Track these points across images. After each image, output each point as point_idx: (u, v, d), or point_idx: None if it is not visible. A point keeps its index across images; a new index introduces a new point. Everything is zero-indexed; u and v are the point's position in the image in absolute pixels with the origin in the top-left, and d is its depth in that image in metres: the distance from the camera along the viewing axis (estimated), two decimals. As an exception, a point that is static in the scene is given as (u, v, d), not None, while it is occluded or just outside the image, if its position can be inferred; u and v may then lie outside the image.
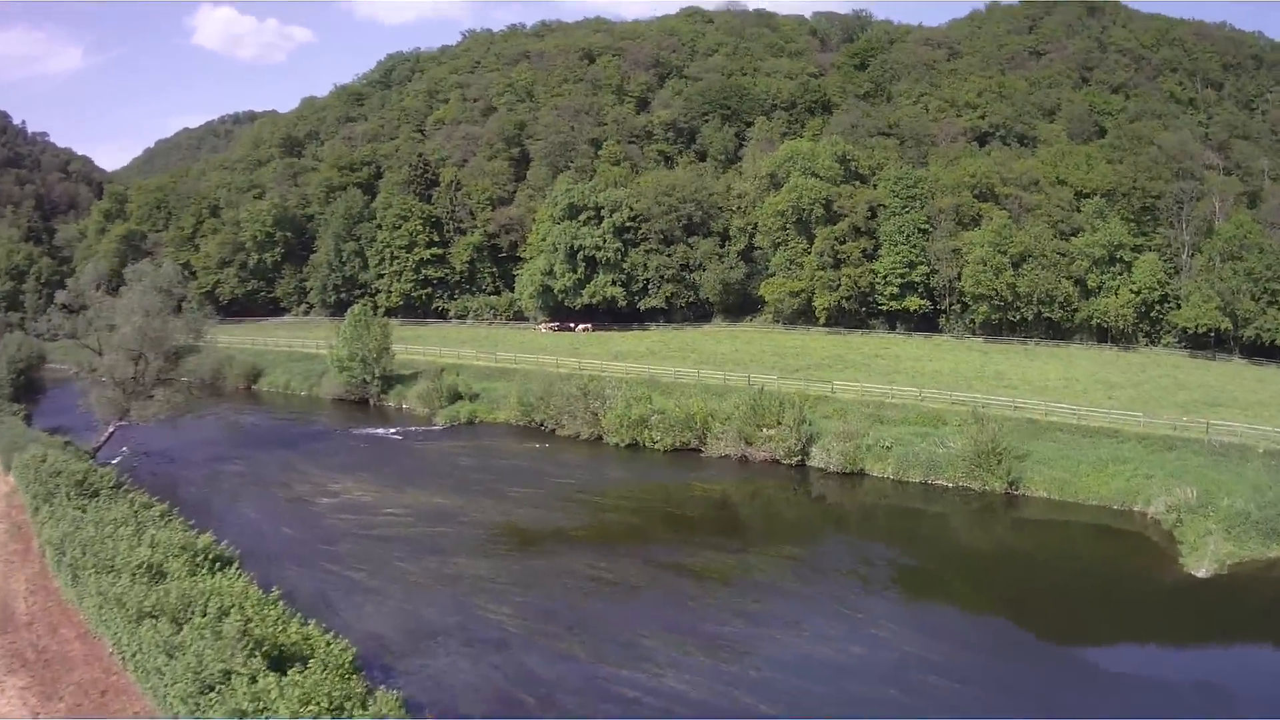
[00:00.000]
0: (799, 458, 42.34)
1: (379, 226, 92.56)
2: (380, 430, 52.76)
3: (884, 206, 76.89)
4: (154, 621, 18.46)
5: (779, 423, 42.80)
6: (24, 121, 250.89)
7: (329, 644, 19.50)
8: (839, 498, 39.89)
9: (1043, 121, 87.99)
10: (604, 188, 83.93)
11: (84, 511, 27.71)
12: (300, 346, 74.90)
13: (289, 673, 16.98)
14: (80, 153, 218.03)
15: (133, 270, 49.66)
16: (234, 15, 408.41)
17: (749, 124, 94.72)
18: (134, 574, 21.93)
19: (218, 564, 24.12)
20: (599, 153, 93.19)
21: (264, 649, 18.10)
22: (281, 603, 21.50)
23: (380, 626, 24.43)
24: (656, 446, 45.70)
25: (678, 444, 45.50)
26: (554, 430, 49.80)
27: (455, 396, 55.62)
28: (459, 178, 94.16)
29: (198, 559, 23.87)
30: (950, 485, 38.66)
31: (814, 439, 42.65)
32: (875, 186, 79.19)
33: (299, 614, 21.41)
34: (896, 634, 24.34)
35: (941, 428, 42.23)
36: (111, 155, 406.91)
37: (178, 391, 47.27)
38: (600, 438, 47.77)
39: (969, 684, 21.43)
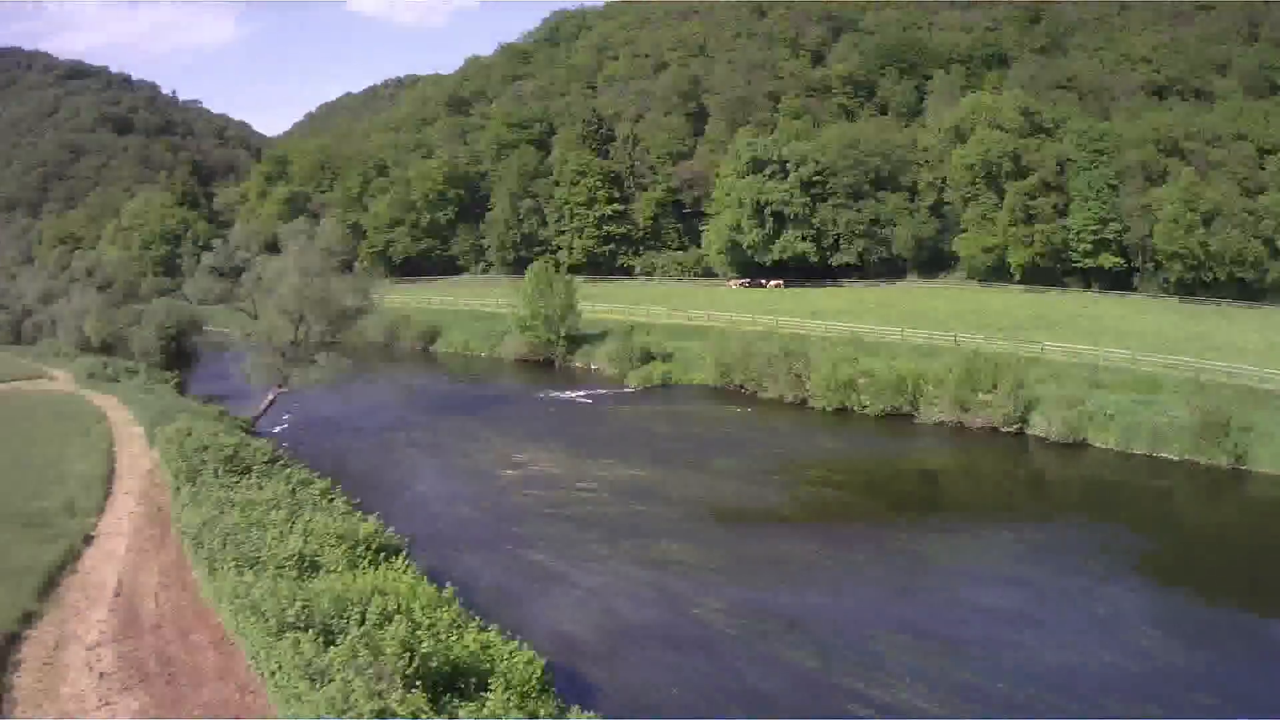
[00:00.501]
0: (1017, 425, 61.89)
1: (556, 183, 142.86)
2: (568, 393, 77.09)
3: (1071, 161, 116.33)
4: (297, 635, 23.29)
5: (994, 387, 62.94)
6: (174, 91, 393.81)
7: (512, 654, 24.63)
8: (1063, 471, 57.59)
9: (1216, 76, 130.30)
10: (787, 141, 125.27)
11: (231, 491, 37.87)
12: (480, 305, 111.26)
13: (461, 707, 21.19)
14: (237, 119, 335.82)
15: (289, 229, 73.42)
16: None
17: (927, 77, 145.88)
18: (280, 569, 28.64)
19: (382, 554, 31.06)
20: (778, 106, 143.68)
21: (432, 665, 22.31)
22: (458, 601, 28.03)
23: (571, 625, 33.02)
24: (866, 411, 67.27)
25: (888, 409, 66.62)
26: (755, 393, 72.47)
27: (647, 357, 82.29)
28: (635, 133, 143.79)
29: (358, 549, 31.01)
30: (1176, 459, 55.54)
31: (1031, 405, 62.13)
32: (1060, 140, 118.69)
33: (476, 615, 28.21)
34: (1147, 636, 33.14)
35: (1159, 394, 61.75)
36: (271, 122, 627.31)
37: (344, 355, 67.36)
38: (805, 401, 69.75)
39: (1251, 706, 28.11)
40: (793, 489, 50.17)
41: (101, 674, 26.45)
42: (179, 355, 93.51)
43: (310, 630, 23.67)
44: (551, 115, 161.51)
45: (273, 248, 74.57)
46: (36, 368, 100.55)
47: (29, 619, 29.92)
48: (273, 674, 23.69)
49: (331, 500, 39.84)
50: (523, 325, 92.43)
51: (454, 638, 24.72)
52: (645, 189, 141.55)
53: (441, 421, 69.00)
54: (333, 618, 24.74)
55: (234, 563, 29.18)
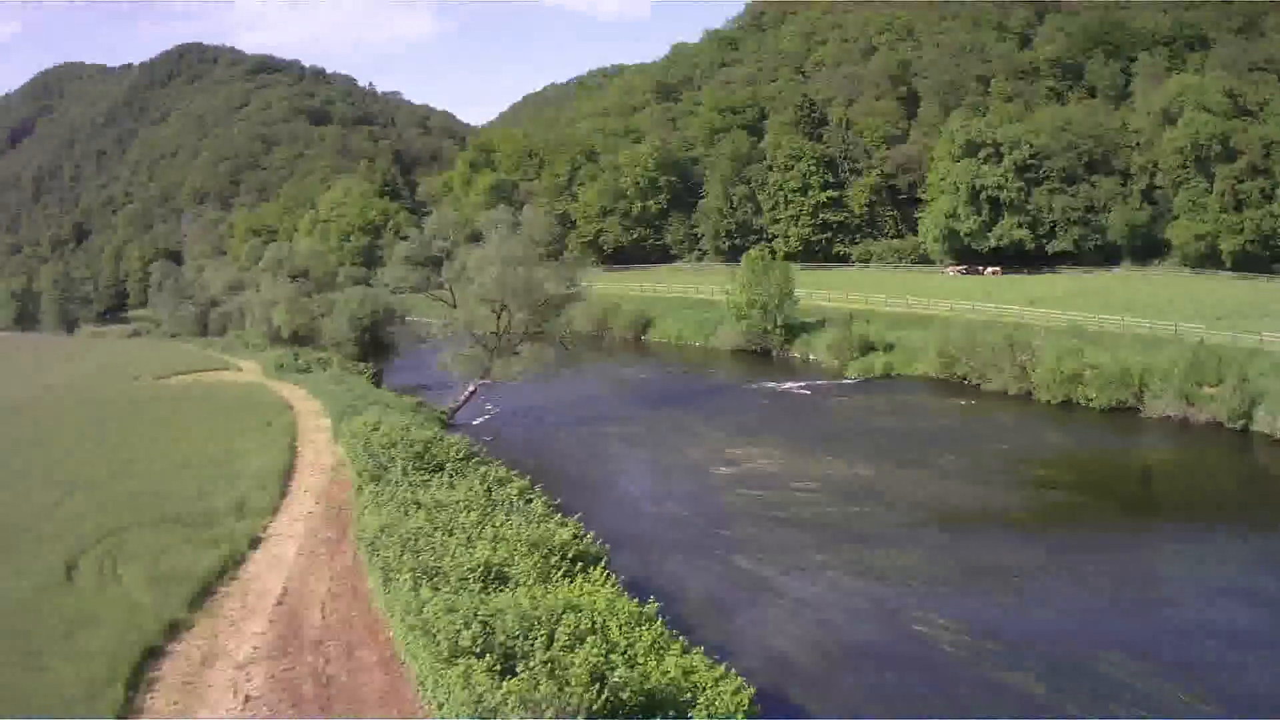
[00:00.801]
0: (1242, 421, 60.56)
1: (769, 168, 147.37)
2: (785, 384, 77.86)
3: (1277, 144, 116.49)
4: (470, 663, 20.83)
5: (1219, 380, 62.67)
6: (371, 83, 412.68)
7: (717, 681, 23.06)
8: (1296, 473, 55.68)
9: None
10: (1000, 125, 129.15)
11: (419, 491, 37.01)
12: (694, 293, 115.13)
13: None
14: (440, 109, 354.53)
15: (490, 216, 74.88)
16: None
17: (1132, 59, 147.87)
18: (463, 581, 26.51)
19: (579, 564, 29.73)
20: (988, 89, 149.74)
21: (624, 696, 19.88)
22: (660, 618, 26.29)
23: (782, 642, 31.82)
24: (1091, 405, 67.26)
25: (1113, 402, 66.68)
26: (978, 385, 73.15)
27: (867, 347, 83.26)
28: (847, 117, 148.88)
29: (552, 559, 29.66)
30: None
31: (1256, 399, 60.72)
32: (1264, 122, 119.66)
33: (680, 633, 26.54)
34: None
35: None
36: (476, 114, 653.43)
37: (548, 346, 69.44)
38: (1029, 394, 70.05)
39: None
40: (1017, 489, 49.92)
41: (248, 697, 24.13)
42: (374, 346, 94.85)
43: (488, 655, 21.22)
44: (761, 100, 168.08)
45: (477, 237, 73.97)
46: (222, 359, 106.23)
47: (175, 631, 27.97)
48: (440, 706, 21.64)
49: (529, 501, 38.65)
50: (739, 313, 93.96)
51: (653, 662, 23.20)
52: (859, 174, 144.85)
53: (652, 414, 70.44)
54: (516, 638, 22.42)
55: (410, 573, 27.08)
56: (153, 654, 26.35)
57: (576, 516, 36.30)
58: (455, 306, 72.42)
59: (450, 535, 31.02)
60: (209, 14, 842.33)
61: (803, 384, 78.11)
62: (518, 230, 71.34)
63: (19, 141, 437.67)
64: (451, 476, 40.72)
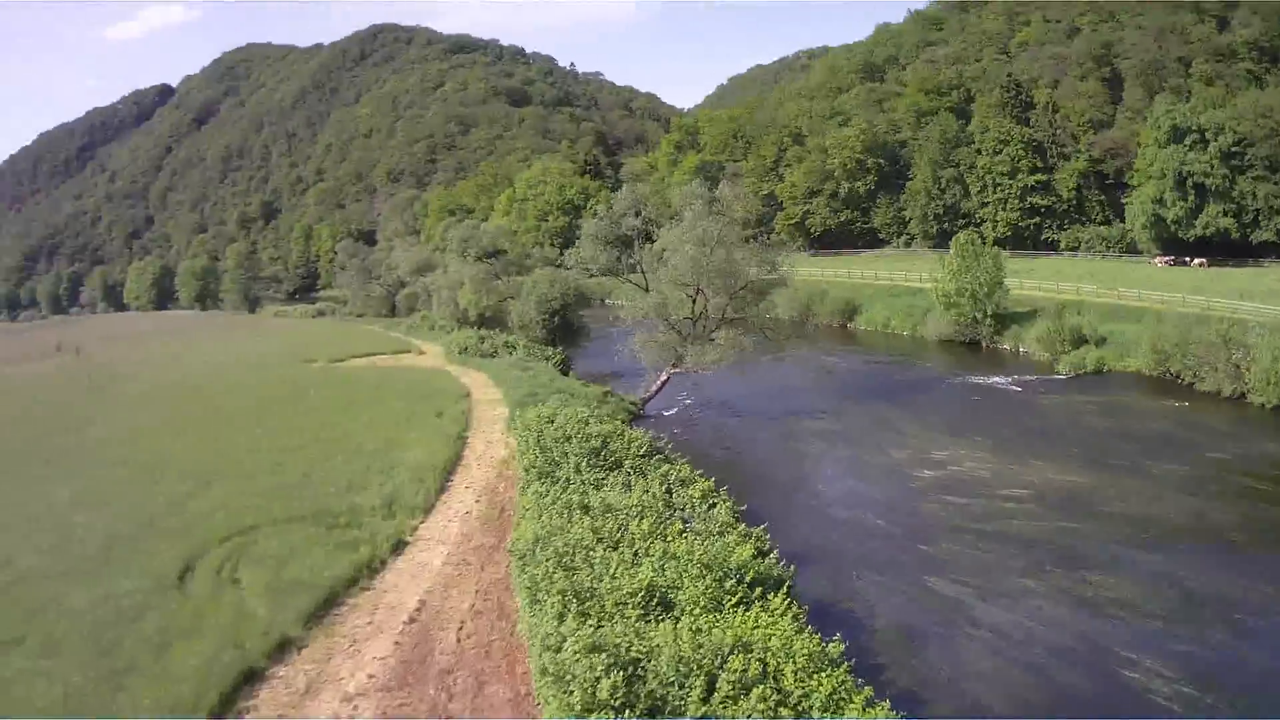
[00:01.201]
0: None
1: (978, 151, 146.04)
2: (994, 379, 76.31)
3: None
4: None
5: None
6: (572, 64, 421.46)
7: None
8: None
9: None
10: (1204, 110, 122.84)
11: (590, 493, 35.71)
12: (902, 279, 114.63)
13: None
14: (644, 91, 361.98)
15: (686, 193, 71.74)
16: None
17: None
18: (620, 607, 23.90)
19: (757, 589, 27.19)
20: (1189, 72, 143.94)
21: None
22: (845, 660, 24.22)
23: (979, 688, 28.81)
24: None
25: None
26: (1190, 384, 69.52)
27: (1079, 340, 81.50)
28: (1054, 99, 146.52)
29: (728, 581, 27.10)
30: None
31: None
32: None
33: (864, 675, 24.22)
34: None
35: None
36: (681, 96, 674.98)
37: (745, 333, 67.42)
38: (1243, 395, 65.39)
39: None
40: (1236, 504, 45.95)
41: (346, 738, 21.07)
42: (564, 330, 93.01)
43: (628, 711, 18.60)
44: (967, 81, 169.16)
45: (674, 219, 72.26)
46: (405, 341, 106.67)
47: (284, 650, 25.79)
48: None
49: (713, 506, 36.76)
50: (947, 301, 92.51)
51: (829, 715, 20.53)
52: (1067, 159, 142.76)
53: (854, 408, 67.92)
54: (670, 685, 19.73)
55: (559, 596, 24.70)
56: (251, 678, 24.22)
57: (762, 527, 34.76)
58: (648, 290, 70.66)
59: (614, 549, 29.09)
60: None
61: (1012, 378, 76.39)
62: (715, 208, 68.96)
63: (205, 123, 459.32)
64: (630, 475, 39.25)
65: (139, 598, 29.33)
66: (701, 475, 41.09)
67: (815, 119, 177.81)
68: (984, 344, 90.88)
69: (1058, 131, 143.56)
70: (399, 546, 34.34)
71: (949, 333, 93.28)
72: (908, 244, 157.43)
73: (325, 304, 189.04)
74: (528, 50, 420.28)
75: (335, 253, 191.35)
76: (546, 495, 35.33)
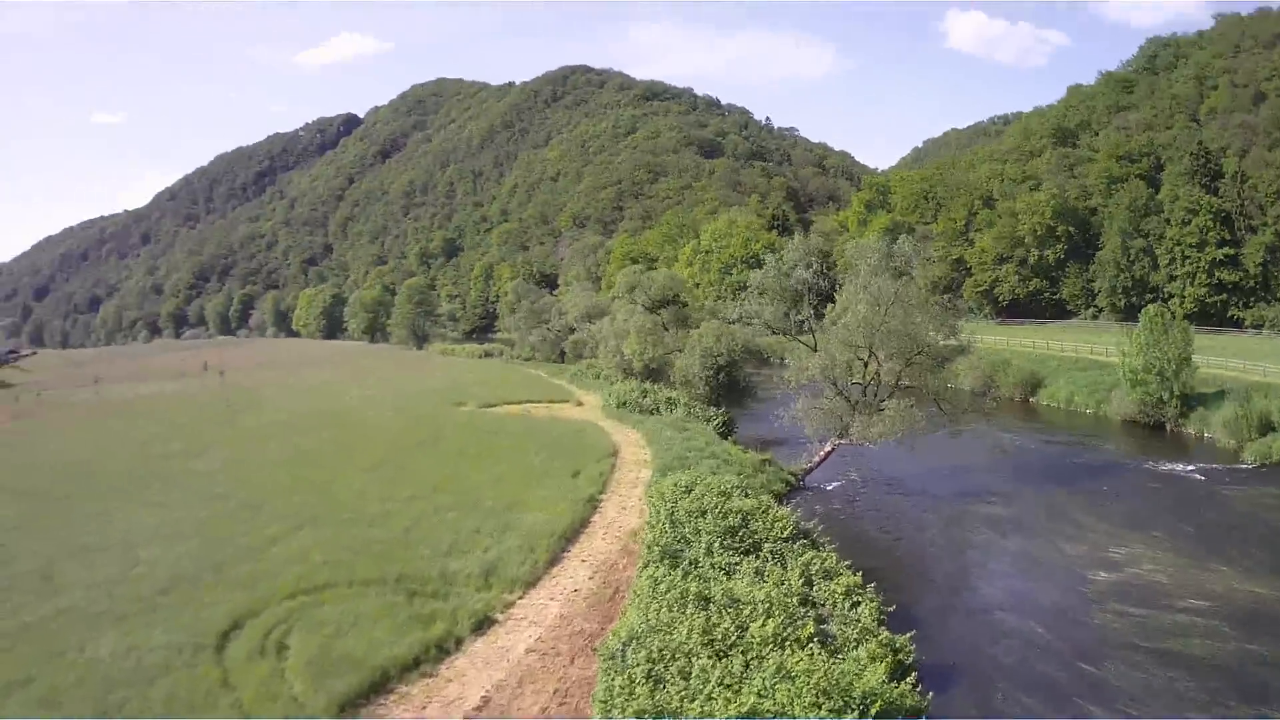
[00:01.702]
0: None
1: (1167, 221, 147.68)
2: (1177, 466, 71.96)
3: None
4: None
5: None
6: (768, 118, 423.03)
7: None
8: None
9: None
10: None
11: (715, 581, 32.42)
12: (1088, 352, 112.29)
13: None
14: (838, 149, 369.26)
15: (860, 248, 70.07)
16: (984, 19, 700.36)
17: None
18: None
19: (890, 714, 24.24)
20: None
21: None
22: None
23: None
24: None
25: None
26: None
27: (1266, 426, 77.02)
28: (1242, 169, 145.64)
29: (848, 715, 23.47)
30: None
31: None
32: None
33: None
34: None
35: None
36: (875, 156, 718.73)
37: (923, 402, 64.57)
38: None
39: None
40: None
41: None
42: (729, 389, 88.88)
43: None
44: (1157, 148, 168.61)
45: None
46: (565, 389, 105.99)
47: None
48: None
49: (856, 604, 33.18)
50: (1133, 379, 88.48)
51: None
52: (1254, 231, 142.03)
53: (1029, 493, 64.33)
54: None
55: (634, 716, 21.38)
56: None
57: (909, 635, 31.85)
58: (815, 350, 67.12)
59: (723, 657, 25.54)
60: (599, 41, 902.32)
61: (1195, 467, 71.96)
62: (894, 264, 65.40)
63: (390, 155, 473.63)
64: (767, 561, 35.72)
65: (166, 655, 27.69)
66: (849, 567, 37.56)
67: (1007, 182, 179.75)
68: (1169, 426, 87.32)
69: (1245, 202, 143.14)
70: (483, 625, 30.87)
71: (1133, 412, 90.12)
72: (1095, 316, 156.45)
73: (495, 345, 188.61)
74: (723, 101, 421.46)
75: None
76: (663, 581, 32.00)
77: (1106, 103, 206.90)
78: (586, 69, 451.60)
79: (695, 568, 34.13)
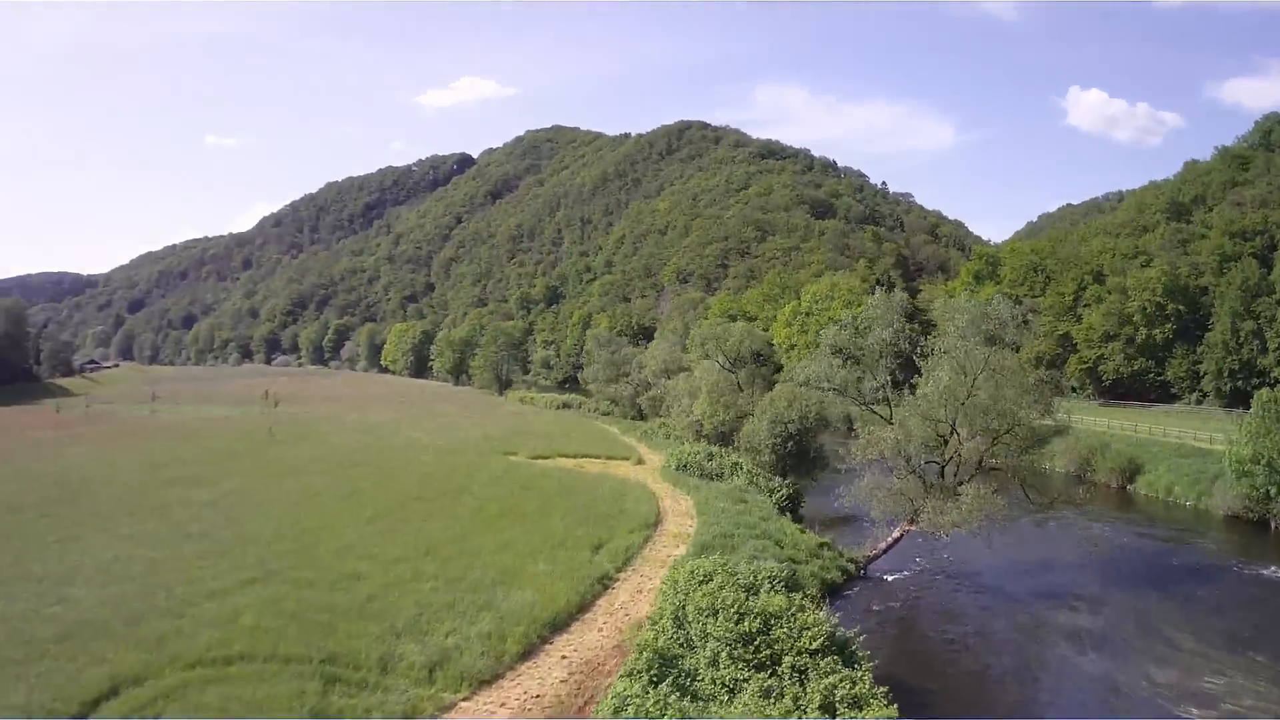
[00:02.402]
0: None
1: (1278, 303, 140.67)
2: None
3: None
4: None
5: None
6: (884, 183, 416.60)
7: None
8: None
9: None
10: None
11: (719, 703, 27.65)
12: (1191, 438, 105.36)
13: None
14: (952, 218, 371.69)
15: (946, 306, 65.73)
16: (1103, 98, 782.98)
17: None
18: None
19: None
20: None
21: None
22: None
23: None
24: None
25: None
26: None
27: None
28: None
29: None
30: None
31: None
32: None
33: None
34: None
35: None
36: (988, 228, 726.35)
37: (1002, 488, 57.27)
38: None
39: None
40: None
41: None
42: (798, 459, 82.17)
43: None
44: (1271, 225, 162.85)
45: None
46: (630, 447, 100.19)
47: None
48: None
49: None
50: (1239, 469, 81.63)
51: None
52: None
53: (1118, 597, 58.22)
54: None
55: None
56: None
57: None
58: (890, 422, 60.63)
59: None
60: (721, 100, 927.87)
61: None
62: (987, 328, 58.69)
63: (500, 198, 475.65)
64: (783, 679, 28.83)
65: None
66: (887, 693, 29.69)
67: (1119, 258, 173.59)
68: (1274, 524, 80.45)
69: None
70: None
71: (1237, 507, 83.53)
72: (1200, 400, 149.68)
73: (575, 397, 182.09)
74: (839, 164, 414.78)
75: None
76: (633, 701, 26.11)
77: (1222, 178, 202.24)
78: (703, 125, 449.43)
79: (691, 681, 28.51)
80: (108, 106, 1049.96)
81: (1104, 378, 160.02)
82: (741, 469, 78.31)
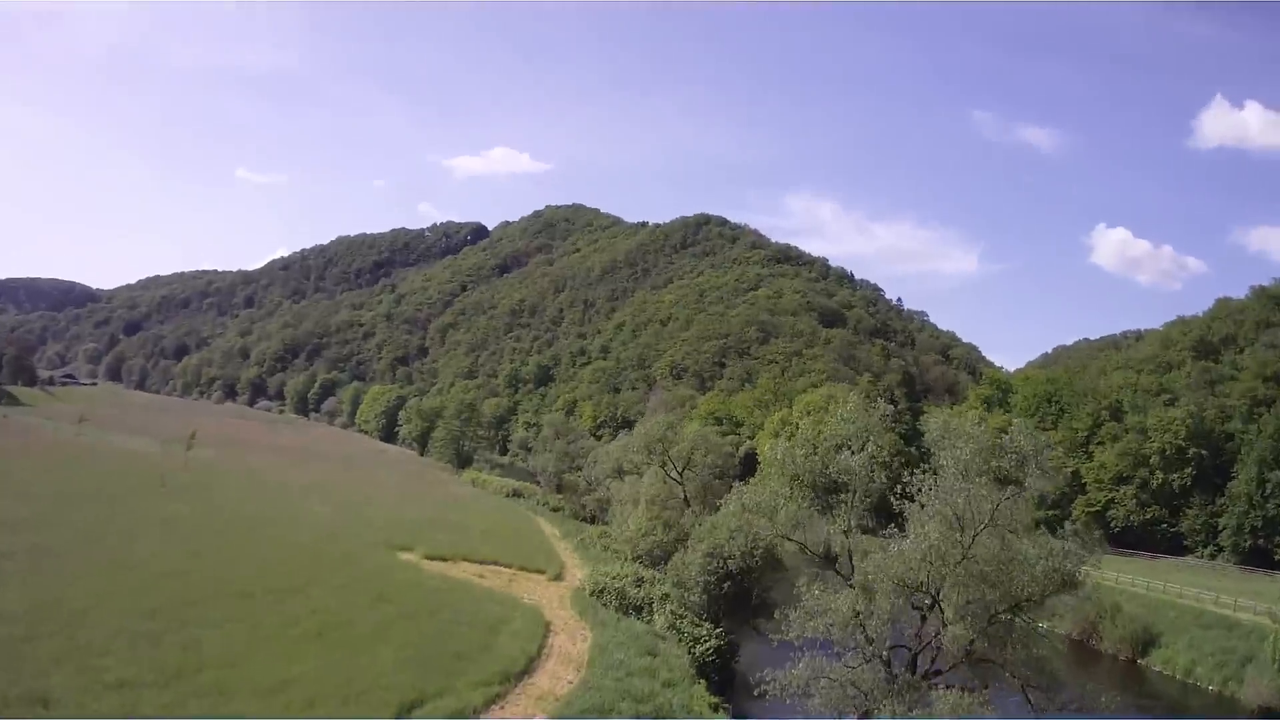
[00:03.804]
0: None
1: None
2: None
3: None
4: None
5: None
6: (899, 299, 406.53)
7: None
8: None
9: None
10: None
11: None
12: (1212, 603, 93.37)
13: None
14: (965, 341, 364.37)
15: (943, 430, 46.65)
16: (1128, 237, 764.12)
17: None
18: None
19: None
20: None
21: None
22: None
23: None
24: None
25: None
26: None
27: None
28: None
29: None
30: None
31: None
32: None
33: None
34: None
35: None
36: (1003, 355, 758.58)
37: (986, 694, 42.11)
38: None
39: None
40: None
41: None
42: (737, 603, 66.39)
43: None
44: None
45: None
46: (558, 557, 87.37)
47: None
48: None
49: None
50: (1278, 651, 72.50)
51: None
52: None
53: None
54: None
55: None
56: None
57: None
58: (849, 582, 44.98)
59: None
60: (748, 205, 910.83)
61: None
62: (997, 464, 43.09)
63: (508, 271, 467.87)
64: None
65: None
66: None
67: (1140, 394, 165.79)
68: None
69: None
70: None
71: (1273, 700, 71.92)
72: (1213, 555, 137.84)
73: (532, 486, 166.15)
74: (857, 276, 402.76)
75: (596, 435, 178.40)
76: None
77: (1256, 318, 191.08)
78: (723, 220, 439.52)
79: None
80: (150, 120, 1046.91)
81: (1113, 524, 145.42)
82: (666, 604, 64.24)
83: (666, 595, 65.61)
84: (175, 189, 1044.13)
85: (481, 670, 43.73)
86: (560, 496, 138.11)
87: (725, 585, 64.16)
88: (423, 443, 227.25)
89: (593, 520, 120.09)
